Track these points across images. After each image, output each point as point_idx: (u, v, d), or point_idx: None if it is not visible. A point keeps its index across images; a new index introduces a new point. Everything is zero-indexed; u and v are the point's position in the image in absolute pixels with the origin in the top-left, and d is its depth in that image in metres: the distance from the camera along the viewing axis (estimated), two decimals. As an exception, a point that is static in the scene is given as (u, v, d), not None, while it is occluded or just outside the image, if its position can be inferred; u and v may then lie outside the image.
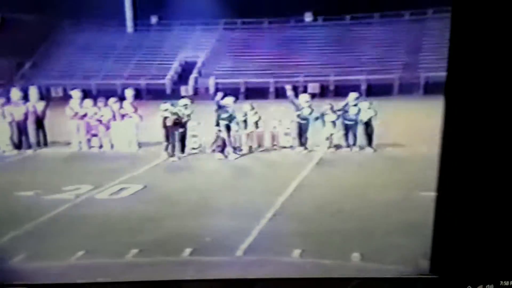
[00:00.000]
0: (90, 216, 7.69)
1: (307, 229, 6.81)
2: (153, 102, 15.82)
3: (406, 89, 24.16)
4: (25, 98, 13.24)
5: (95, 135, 12.87)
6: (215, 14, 27.01)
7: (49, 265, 5.84)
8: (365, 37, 27.33)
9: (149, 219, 7.39)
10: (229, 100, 11.86)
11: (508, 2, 3.34)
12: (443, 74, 3.67)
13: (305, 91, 19.13)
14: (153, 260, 5.95)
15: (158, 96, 22.39)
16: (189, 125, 12.09)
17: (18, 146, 12.81)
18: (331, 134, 12.17)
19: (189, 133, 12.14)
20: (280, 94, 19.28)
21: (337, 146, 12.22)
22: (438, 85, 4.67)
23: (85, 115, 12.86)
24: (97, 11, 25.25)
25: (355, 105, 12.12)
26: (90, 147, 12.85)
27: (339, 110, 12.16)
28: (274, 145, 12.51)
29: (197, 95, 25.18)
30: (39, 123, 13.11)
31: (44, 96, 16.42)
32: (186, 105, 12.10)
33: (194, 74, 27.78)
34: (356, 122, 12.06)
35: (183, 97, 14.17)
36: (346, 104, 12.16)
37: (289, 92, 12.45)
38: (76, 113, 12.90)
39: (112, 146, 12.73)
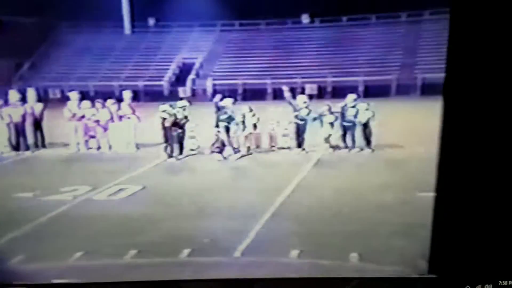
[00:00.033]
0: (88, 217, 7.68)
1: (305, 229, 6.82)
2: (150, 104, 15.85)
3: (404, 90, 24.25)
4: (23, 99, 13.18)
5: (93, 137, 12.87)
6: (213, 16, 27.05)
7: (48, 266, 5.82)
8: (362, 38, 27.38)
9: (147, 220, 7.38)
10: (228, 102, 11.89)
11: (507, 3, 3.36)
12: (440, 75, 3.68)
13: (302, 92, 19.19)
14: (152, 261, 5.95)
15: (155, 97, 22.44)
16: (187, 126, 12.10)
17: (16, 147, 12.78)
18: (329, 135, 12.19)
19: (187, 135, 12.15)
20: (278, 95, 19.30)
21: (335, 147, 12.24)
22: (435, 86, 4.69)
23: (83, 117, 12.86)
24: (95, 13, 25.24)
25: (353, 106, 12.13)
26: (88, 148, 12.85)
27: (337, 112, 12.18)
28: (272, 146, 12.52)
29: (195, 96, 25.21)
30: (37, 124, 13.08)
31: (42, 97, 16.34)
32: (184, 106, 12.11)
33: (191, 76, 27.78)
34: (354, 124, 12.06)
35: (181, 98, 14.17)
36: (345, 106, 12.18)
37: (287, 93, 12.50)
38: (74, 115, 12.90)
39: (110, 148, 12.73)
